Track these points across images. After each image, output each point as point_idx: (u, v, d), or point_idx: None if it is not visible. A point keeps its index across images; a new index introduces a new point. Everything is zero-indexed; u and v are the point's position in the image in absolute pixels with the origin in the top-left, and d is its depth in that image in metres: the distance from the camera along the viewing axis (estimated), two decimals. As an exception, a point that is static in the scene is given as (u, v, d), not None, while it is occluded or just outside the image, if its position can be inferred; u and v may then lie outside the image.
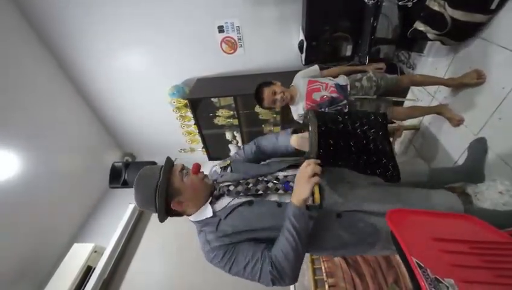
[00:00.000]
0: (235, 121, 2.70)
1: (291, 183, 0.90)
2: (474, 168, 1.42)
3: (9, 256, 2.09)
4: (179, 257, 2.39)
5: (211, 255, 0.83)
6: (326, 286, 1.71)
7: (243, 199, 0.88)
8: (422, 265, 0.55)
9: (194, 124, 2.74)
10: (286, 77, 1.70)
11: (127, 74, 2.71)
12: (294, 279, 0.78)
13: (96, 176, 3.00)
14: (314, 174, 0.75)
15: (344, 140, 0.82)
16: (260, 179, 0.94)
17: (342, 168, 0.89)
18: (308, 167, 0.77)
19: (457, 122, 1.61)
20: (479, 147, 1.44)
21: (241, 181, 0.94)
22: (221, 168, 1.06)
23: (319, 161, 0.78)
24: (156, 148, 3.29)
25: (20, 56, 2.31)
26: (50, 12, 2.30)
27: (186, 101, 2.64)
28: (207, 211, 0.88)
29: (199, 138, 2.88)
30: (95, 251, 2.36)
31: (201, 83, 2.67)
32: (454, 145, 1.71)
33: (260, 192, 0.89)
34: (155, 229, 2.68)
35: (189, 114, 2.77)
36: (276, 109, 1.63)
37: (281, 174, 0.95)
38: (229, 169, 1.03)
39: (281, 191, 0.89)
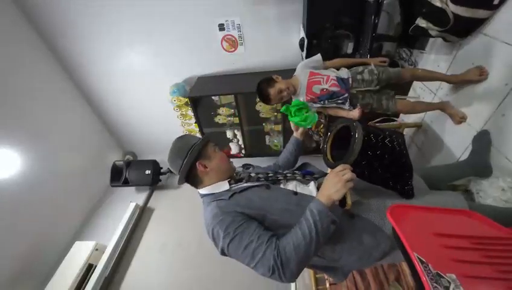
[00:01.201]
0: (236, 120, 2.70)
1: (310, 177, 0.97)
2: (481, 161, 1.40)
3: (12, 254, 2.10)
4: (180, 254, 2.39)
5: (217, 219, 0.79)
6: (327, 284, 1.71)
7: (261, 183, 0.91)
8: (424, 260, 0.54)
9: (195, 122, 2.74)
10: (287, 75, 1.69)
11: (128, 73, 2.71)
12: (295, 275, 0.72)
13: (98, 174, 3.01)
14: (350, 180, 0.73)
15: (381, 152, 0.84)
16: (280, 171, 1.02)
17: (364, 179, 0.89)
18: (346, 170, 0.74)
19: (459, 119, 1.60)
20: (483, 140, 1.42)
21: (261, 172, 1.01)
22: (244, 167, 1.11)
23: (352, 168, 0.76)
24: (156, 147, 3.29)
25: (23, 57, 2.31)
26: (52, 13, 2.31)
27: (187, 100, 2.64)
28: (224, 185, 0.90)
29: (200, 137, 2.88)
30: (97, 249, 2.36)
31: (202, 81, 2.67)
32: (456, 142, 1.70)
33: (280, 178, 0.94)
34: (156, 227, 2.69)
35: (190, 112, 2.77)
36: (283, 99, 1.61)
37: (298, 172, 1.03)
38: (250, 168, 1.09)
39: (298, 178, 0.96)
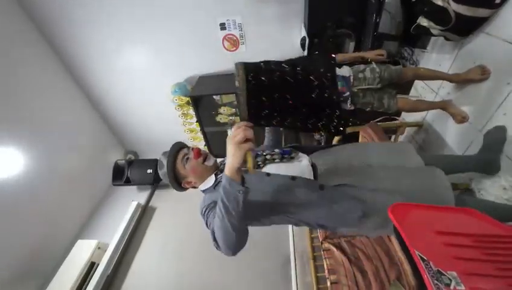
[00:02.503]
0: (237, 119, 2.70)
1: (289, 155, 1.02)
2: (490, 158, 1.36)
3: (15, 253, 2.11)
4: (181, 253, 2.40)
5: (205, 204, 0.92)
6: (328, 283, 1.72)
7: None
8: (425, 258, 0.55)
9: (196, 121, 2.74)
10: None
11: (130, 73, 2.72)
12: (228, 250, 0.76)
13: (100, 173, 3.03)
14: (246, 140, 0.67)
15: (280, 93, 0.69)
16: (259, 153, 1.04)
17: (276, 127, 0.82)
18: (238, 131, 0.67)
19: (461, 118, 1.60)
20: (497, 137, 1.37)
21: None
22: None
23: (251, 124, 0.70)
24: (158, 146, 3.29)
25: (25, 56, 2.33)
26: (54, 13, 2.32)
27: (188, 99, 2.64)
28: (210, 180, 1.01)
29: (201, 136, 2.89)
30: (99, 248, 2.38)
31: (203, 80, 2.67)
32: (457, 142, 1.70)
33: (259, 163, 0.99)
34: (158, 225, 2.70)
35: (192, 112, 2.78)
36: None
37: (278, 150, 1.05)
38: None
39: (277, 160, 0.99)
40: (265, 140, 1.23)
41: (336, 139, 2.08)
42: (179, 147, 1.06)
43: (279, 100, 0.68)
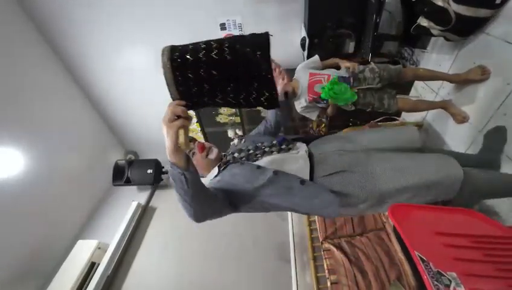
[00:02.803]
0: (237, 119, 2.71)
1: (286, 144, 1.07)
2: (491, 158, 1.37)
3: (16, 253, 2.12)
4: (181, 253, 2.40)
5: None
6: (329, 283, 1.72)
7: (238, 161, 1.06)
8: (425, 259, 0.55)
9: (196, 122, 2.75)
10: (288, 74, 1.70)
11: (130, 73, 2.72)
12: (191, 218, 0.82)
13: (100, 174, 3.03)
14: (178, 117, 0.66)
15: (205, 69, 0.67)
16: (259, 145, 1.10)
17: (219, 105, 0.81)
18: (167, 110, 0.66)
19: (461, 118, 1.60)
20: (498, 136, 1.37)
21: (243, 148, 1.12)
22: (238, 138, 1.28)
23: (183, 102, 0.68)
24: (158, 146, 3.29)
25: (25, 57, 2.33)
26: (54, 13, 2.32)
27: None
28: (214, 172, 1.07)
29: (201, 136, 2.89)
30: (99, 248, 2.38)
31: (204, 80, 2.67)
32: (457, 142, 1.70)
33: (258, 155, 1.05)
34: (158, 226, 2.70)
35: (192, 112, 2.78)
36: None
37: (275, 141, 1.10)
38: (242, 140, 1.25)
39: (274, 152, 1.05)
40: (269, 114, 1.32)
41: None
42: None
43: (205, 76, 0.67)
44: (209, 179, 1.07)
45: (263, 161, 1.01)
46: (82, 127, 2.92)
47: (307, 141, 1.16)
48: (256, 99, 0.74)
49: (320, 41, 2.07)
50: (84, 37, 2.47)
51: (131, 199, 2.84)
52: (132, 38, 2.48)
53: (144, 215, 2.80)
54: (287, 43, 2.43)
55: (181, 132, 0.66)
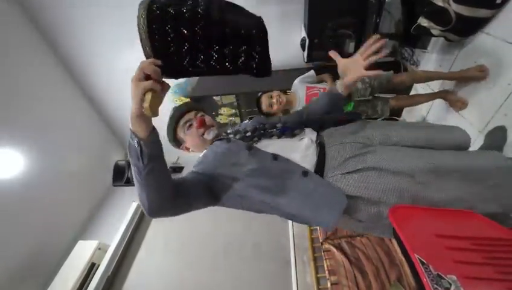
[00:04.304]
0: (238, 119, 2.70)
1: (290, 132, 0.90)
2: None
3: (16, 253, 2.12)
4: (182, 253, 2.40)
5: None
6: (329, 284, 1.72)
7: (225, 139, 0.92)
8: (425, 261, 0.55)
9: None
10: (288, 75, 1.71)
11: (130, 73, 2.66)
12: (148, 209, 0.68)
13: (100, 174, 3.03)
14: (148, 77, 0.58)
15: (188, 26, 0.57)
16: (258, 126, 0.94)
17: (202, 72, 0.67)
18: (138, 69, 0.59)
19: (460, 104, 1.60)
20: (498, 137, 1.38)
21: (240, 129, 0.97)
22: (248, 119, 1.09)
23: (157, 62, 0.60)
24: (158, 147, 3.31)
25: (25, 57, 2.33)
26: (54, 13, 2.32)
27: (188, 99, 2.64)
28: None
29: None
30: (99, 248, 2.38)
31: (204, 81, 2.67)
32: (458, 142, 1.69)
33: (255, 139, 0.90)
34: (158, 226, 2.70)
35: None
36: (273, 111, 1.70)
37: (279, 125, 0.93)
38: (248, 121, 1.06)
39: (274, 137, 0.90)
40: (316, 104, 1.01)
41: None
42: (187, 108, 0.99)
43: (186, 34, 0.58)
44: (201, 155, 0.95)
45: (260, 144, 0.88)
46: (82, 128, 2.92)
47: (322, 127, 0.94)
48: (244, 63, 0.64)
49: (320, 42, 2.07)
50: (84, 37, 2.47)
51: (132, 200, 2.84)
52: (132, 38, 2.45)
53: (144, 216, 2.80)
54: (287, 43, 2.43)
55: (148, 95, 0.57)
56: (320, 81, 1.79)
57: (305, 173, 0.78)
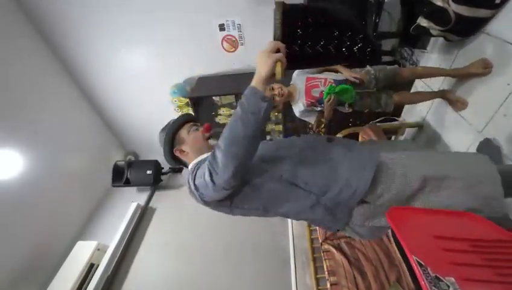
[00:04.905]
0: (237, 120, 2.70)
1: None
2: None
3: (15, 254, 2.11)
4: (181, 254, 2.40)
5: (190, 172, 0.84)
6: (328, 285, 1.71)
7: None
8: (423, 264, 0.54)
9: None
10: (287, 75, 1.70)
11: (129, 74, 2.72)
12: (224, 170, 0.69)
13: (99, 175, 3.03)
14: (277, 51, 0.72)
15: (313, 17, 0.79)
16: None
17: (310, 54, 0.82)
18: (270, 43, 0.73)
19: (461, 105, 1.59)
20: (492, 147, 1.39)
21: None
22: None
23: (284, 45, 0.74)
24: (158, 147, 3.26)
25: (24, 58, 2.33)
26: (53, 13, 2.31)
27: (187, 100, 2.64)
28: (204, 156, 0.92)
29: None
30: (98, 249, 2.37)
31: (203, 81, 2.67)
32: (458, 143, 1.69)
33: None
34: (158, 227, 2.70)
35: (191, 113, 2.78)
36: (275, 103, 1.64)
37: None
38: None
39: None
40: None
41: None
42: (191, 118, 1.05)
43: (312, 22, 0.77)
44: (196, 160, 0.93)
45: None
46: (81, 128, 2.92)
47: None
48: (360, 50, 0.80)
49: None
50: (83, 38, 2.47)
51: (131, 200, 2.84)
52: (132, 39, 2.48)
53: (143, 216, 2.79)
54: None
55: (278, 63, 0.71)
56: (323, 72, 1.69)
57: (329, 139, 0.91)
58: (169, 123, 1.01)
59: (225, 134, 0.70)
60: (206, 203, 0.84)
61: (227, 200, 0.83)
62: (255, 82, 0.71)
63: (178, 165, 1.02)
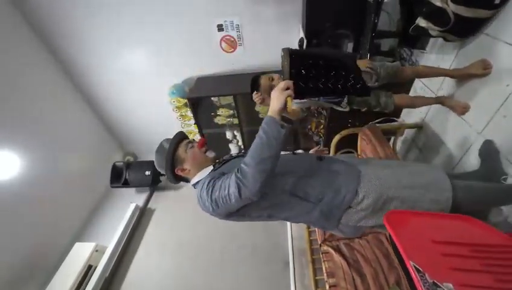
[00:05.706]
0: (236, 120, 2.69)
1: None
2: (494, 166, 1.36)
3: (13, 255, 2.10)
4: (180, 255, 2.39)
5: (202, 186, 0.92)
6: (327, 286, 1.70)
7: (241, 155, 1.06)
8: (421, 269, 0.53)
9: (194, 123, 2.73)
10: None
11: (128, 74, 2.71)
12: (254, 184, 0.79)
13: (98, 175, 3.01)
14: (287, 89, 0.85)
15: (313, 60, 0.98)
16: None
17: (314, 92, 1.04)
18: (282, 82, 0.86)
19: (462, 109, 1.57)
20: (490, 149, 1.39)
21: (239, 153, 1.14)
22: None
23: (291, 82, 0.88)
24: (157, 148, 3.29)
25: (23, 59, 2.32)
26: (52, 14, 2.31)
27: (186, 101, 2.63)
28: (207, 171, 1.01)
29: (199, 137, 2.88)
30: (97, 250, 2.36)
31: (201, 82, 2.66)
32: (457, 144, 1.68)
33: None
34: (156, 228, 2.69)
35: (190, 113, 2.77)
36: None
37: None
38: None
39: None
40: None
41: (334, 141, 2.05)
42: (184, 135, 1.11)
43: (313, 63, 0.96)
44: (195, 180, 1.02)
45: None
46: (80, 129, 2.91)
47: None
48: (353, 86, 1.00)
49: (319, 42, 2.05)
50: (82, 38, 2.46)
51: (129, 201, 2.82)
52: (131, 39, 2.47)
53: (142, 217, 2.78)
54: (285, 44, 2.39)
55: (289, 99, 0.85)
56: None
57: (320, 157, 1.05)
58: (162, 146, 1.05)
59: (253, 155, 0.81)
60: (219, 214, 0.92)
61: (240, 209, 0.91)
62: (272, 113, 0.84)
63: (179, 182, 1.09)
